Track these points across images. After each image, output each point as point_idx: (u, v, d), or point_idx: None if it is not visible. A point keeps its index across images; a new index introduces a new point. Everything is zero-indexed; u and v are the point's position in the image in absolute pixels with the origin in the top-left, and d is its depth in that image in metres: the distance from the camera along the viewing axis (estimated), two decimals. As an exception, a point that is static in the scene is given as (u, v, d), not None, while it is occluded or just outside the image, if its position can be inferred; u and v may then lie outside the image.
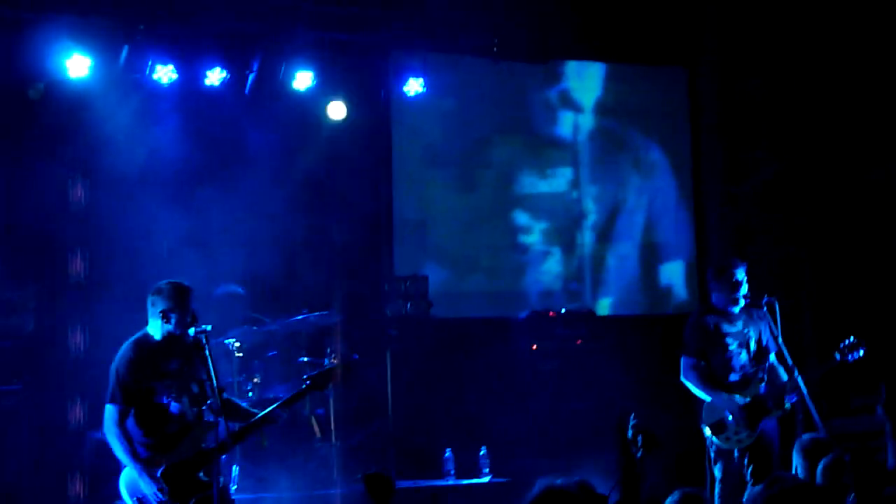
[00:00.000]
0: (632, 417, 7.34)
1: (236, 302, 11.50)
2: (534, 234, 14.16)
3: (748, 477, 9.68)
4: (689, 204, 14.71)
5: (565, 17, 13.21)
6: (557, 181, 14.32)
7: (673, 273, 14.66)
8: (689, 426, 10.16)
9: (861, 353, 9.80)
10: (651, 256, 14.63)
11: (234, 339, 11.11)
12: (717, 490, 9.79)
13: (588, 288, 14.32)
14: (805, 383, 9.61)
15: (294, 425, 11.11)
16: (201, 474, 8.28)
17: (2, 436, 10.46)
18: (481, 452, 11.71)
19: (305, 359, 11.41)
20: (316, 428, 11.44)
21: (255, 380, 11.21)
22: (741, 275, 9.96)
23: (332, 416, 11.48)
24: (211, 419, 8.39)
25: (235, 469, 10.42)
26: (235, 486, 10.25)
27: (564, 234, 14.32)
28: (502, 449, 11.88)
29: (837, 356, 9.86)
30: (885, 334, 12.86)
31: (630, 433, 7.21)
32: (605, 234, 14.45)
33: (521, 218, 14.09)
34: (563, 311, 13.40)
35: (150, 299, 8.47)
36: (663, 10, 13.68)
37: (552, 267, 14.21)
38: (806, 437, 8.29)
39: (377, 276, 13.10)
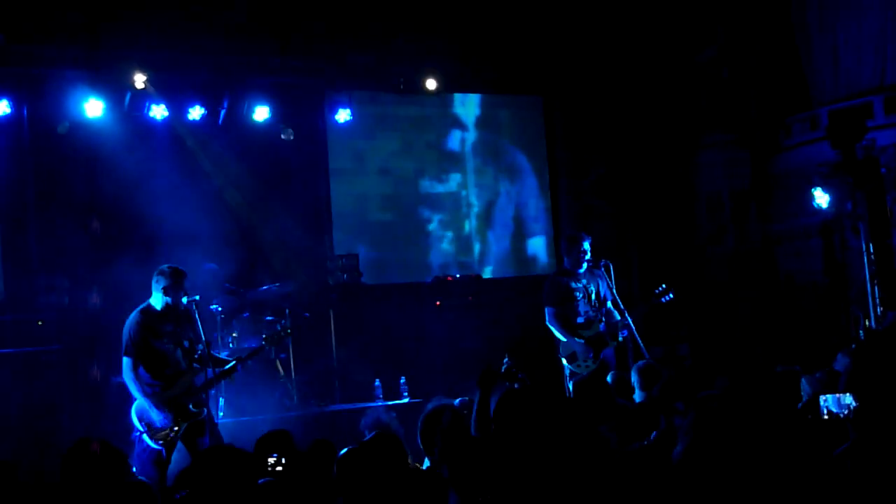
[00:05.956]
0: (506, 359, 7.33)
1: (214, 276, 11.30)
2: (433, 222, 14.09)
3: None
4: (546, 195, 14.70)
5: (452, 62, 13.25)
6: (450, 184, 14.24)
7: (535, 246, 14.67)
8: (549, 357, 10.15)
9: (671, 296, 9.86)
10: (519, 234, 14.61)
11: (216, 305, 10.97)
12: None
13: (475, 259, 14.29)
14: (633, 322, 9.67)
15: (264, 366, 10.94)
16: (191, 406, 8.21)
17: (46, 383, 10.24)
18: (401, 380, 11.66)
19: (269, 318, 11.28)
20: (280, 368, 11.34)
21: (234, 335, 11.07)
22: (586, 245, 9.96)
23: (292, 359, 11.38)
24: (197, 366, 8.37)
25: (222, 400, 10.25)
26: (222, 413, 10.09)
27: (455, 222, 14.25)
28: (416, 377, 11.82)
29: (654, 299, 9.93)
30: (689, 285, 13.07)
31: (504, 368, 7.20)
32: (486, 220, 14.40)
33: (425, 211, 14.02)
34: (458, 276, 13.39)
35: (155, 277, 8.40)
36: (525, 56, 13.72)
37: (447, 245, 14.14)
38: (640, 362, 8.34)
39: (321, 255, 12.96)
